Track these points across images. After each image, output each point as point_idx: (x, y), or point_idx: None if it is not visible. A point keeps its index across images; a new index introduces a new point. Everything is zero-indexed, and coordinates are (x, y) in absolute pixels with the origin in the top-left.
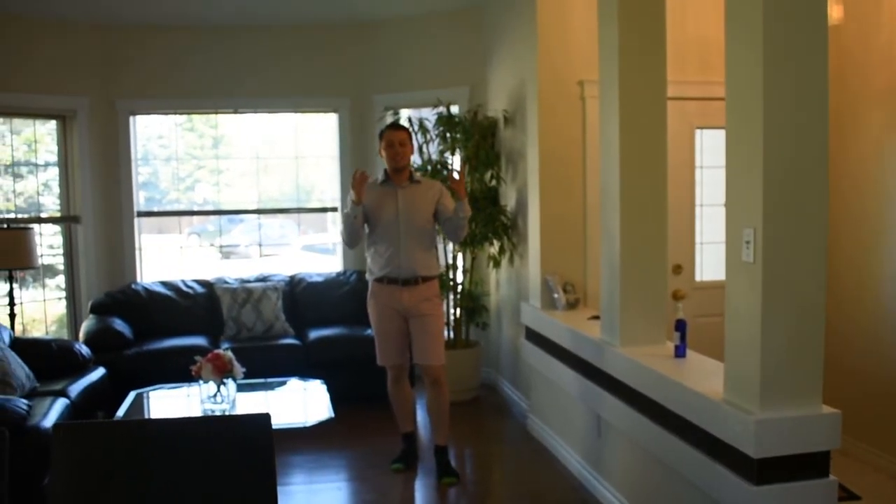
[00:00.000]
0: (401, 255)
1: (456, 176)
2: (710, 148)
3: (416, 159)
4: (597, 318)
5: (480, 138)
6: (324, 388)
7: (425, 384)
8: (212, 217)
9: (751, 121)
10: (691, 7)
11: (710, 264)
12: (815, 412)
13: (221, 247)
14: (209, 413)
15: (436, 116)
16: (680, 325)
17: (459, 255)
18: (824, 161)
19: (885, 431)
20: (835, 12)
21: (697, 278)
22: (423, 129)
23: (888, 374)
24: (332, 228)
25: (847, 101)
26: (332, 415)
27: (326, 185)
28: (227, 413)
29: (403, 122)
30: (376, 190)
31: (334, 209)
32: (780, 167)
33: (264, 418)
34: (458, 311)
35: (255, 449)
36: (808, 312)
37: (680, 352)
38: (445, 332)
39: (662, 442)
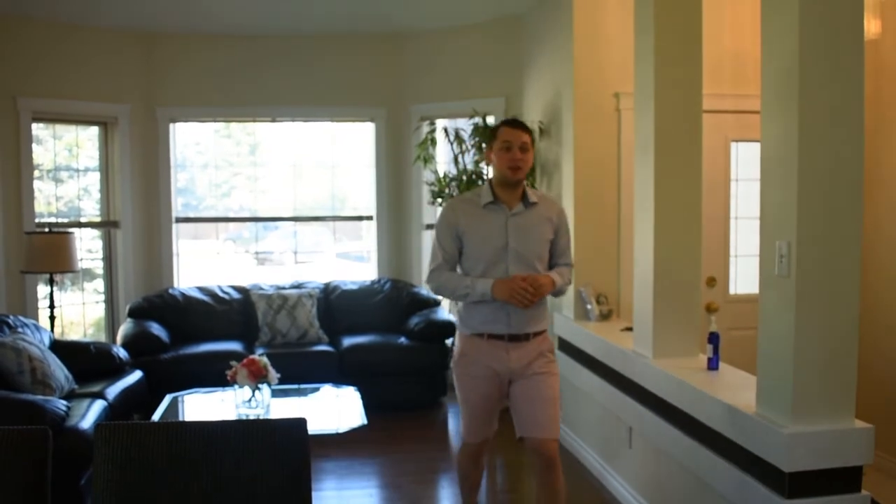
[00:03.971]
0: (510, 306)
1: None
2: (746, 161)
3: (451, 169)
4: (630, 329)
5: None
6: (357, 395)
7: (536, 467)
8: (248, 223)
9: (786, 134)
10: (728, 20)
11: (743, 277)
12: (848, 426)
13: (257, 253)
14: (244, 417)
15: (472, 127)
16: (713, 338)
17: None
18: (860, 175)
19: None
20: (872, 27)
21: (731, 291)
22: (459, 139)
23: None
24: (367, 236)
25: (884, 116)
26: (365, 422)
27: (361, 193)
28: (261, 418)
29: (439, 133)
30: (477, 213)
31: (369, 217)
32: (815, 181)
33: (300, 423)
34: None
35: (291, 453)
36: (842, 327)
37: (713, 364)
38: None
39: (694, 454)
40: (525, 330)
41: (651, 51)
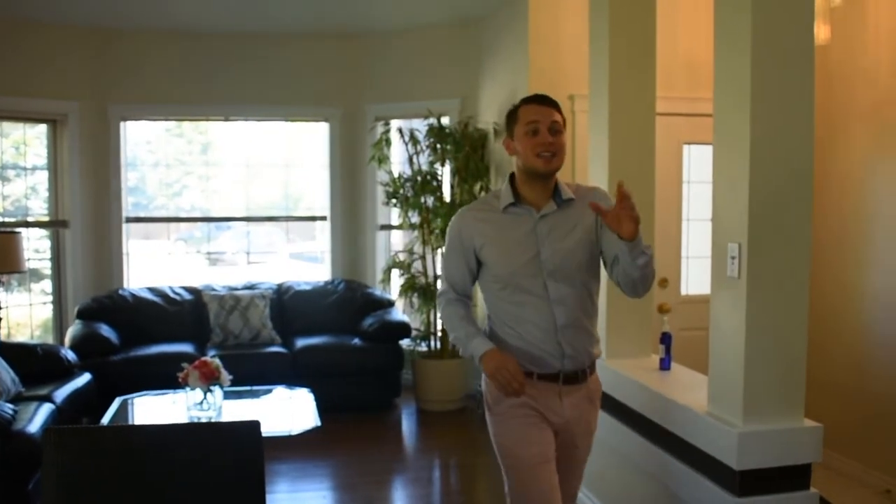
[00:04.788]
0: (560, 335)
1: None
2: (698, 163)
3: (405, 170)
4: None
5: (471, 150)
6: (310, 396)
7: None
8: (199, 224)
9: (738, 137)
10: (681, 25)
11: (695, 278)
12: (798, 425)
13: (209, 253)
14: (195, 420)
15: (427, 128)
16: (665, 339)
17: None
18: (809, 178)
19: (868, 446)
20: (822, 32)
21: (683, 292)
22: (414, 139)
23: (871, 390)
24: (321, 237)
25: (833, 120)
26: (319, 423)
27: (315, 193)
28: (213, 420)
29: (394, 133)
30: (495, 220)
31: (323, 218)
32: (766, 183)
33: (254, 426)
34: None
35: (245, 457)
36: (792, 328)
37: (665, 365)
38: (428, 343)
39: (647, 453)
40: (583, 364)
41: (606, 54)
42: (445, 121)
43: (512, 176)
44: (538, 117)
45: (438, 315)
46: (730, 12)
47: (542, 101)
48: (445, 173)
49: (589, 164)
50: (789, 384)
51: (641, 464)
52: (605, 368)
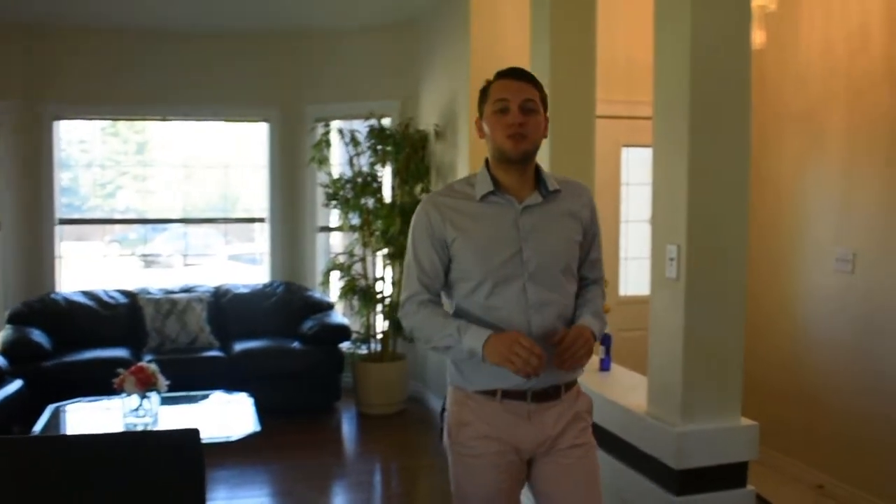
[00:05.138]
0: (468, 336)
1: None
2: (636, 165)
3: (346, 171)
4: None
5: (411, 151)
6: (249, 401)
7: None
8: (134, 225)
9: (676, 140)
10: (621, 28)
11: (634, 279)
12: (735, 424)
13: (144, 255)
14: (131, 427)
15: (367, 129)
16: (605, 339)
17: (388, 267)
18: (746, 181)
19: (802, 443)
20: (758, 38)
21: (622, 293)
22: (355, 141)
23: (804, 388)
24: (259, 238)
25: (767, 123)
26: (258, 428)
27: (254, 194)
28: (149, 427)
29: (334, 134)
30: (471, 209)
31: (262, 219)
32: (705, 185)
33: (193, 434)
34: (386, 323)
35: (184, 466)
36: (729, 328)
37: (605, 365)
38: (368, 346)
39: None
40: (555, 381)
41: (547, 57)
42: (386, 122)
43: (487, 162)
44: (508, 94)
45: (406, 325)
46: (669, 17)
47: (516, 74)
48: (386, 175)
49: None
50: (727, 384)
51: None
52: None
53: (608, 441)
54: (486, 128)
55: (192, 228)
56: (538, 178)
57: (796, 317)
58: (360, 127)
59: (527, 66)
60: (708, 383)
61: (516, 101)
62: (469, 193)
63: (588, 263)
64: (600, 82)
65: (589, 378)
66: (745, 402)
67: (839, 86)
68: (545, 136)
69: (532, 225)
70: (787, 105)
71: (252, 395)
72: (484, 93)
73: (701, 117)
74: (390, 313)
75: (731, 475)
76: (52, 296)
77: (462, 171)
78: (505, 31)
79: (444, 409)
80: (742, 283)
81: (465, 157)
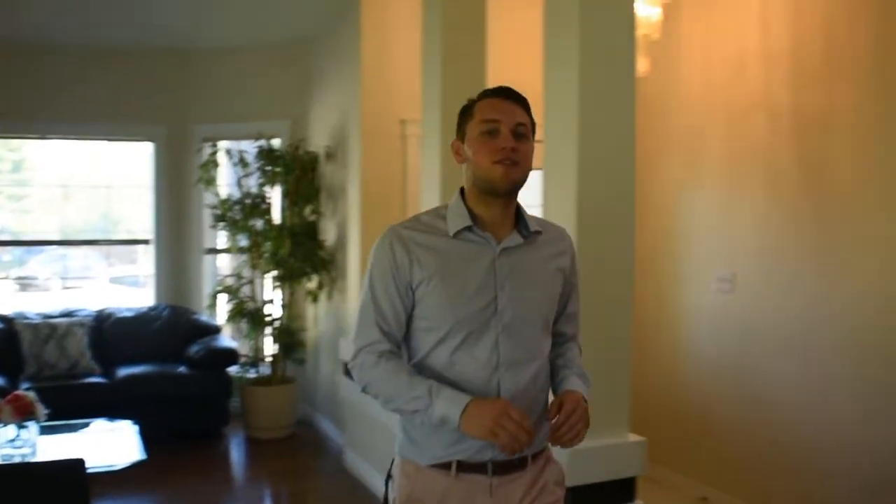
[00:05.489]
0: (442, 401)
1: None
2: (526, 187)
3: (234, 192)
4: None
5: (301, 173)
6: (134, 428)
7: None
8: (9, 247)
9: (565, 162)
10: (510, 52)
11: None
12: (624, 440)
13: (20, 278)
14: (8, 459)
15: (256, 149)
16: None
17: (278, 289)
18: (632, 201)
19: (687, 457)
20: (642, 65)
21: None
22: (243, 161)
23: (688, 404)
24: (143, 260)
25: (651, 146)
26: (144, 456)
27: (138, 215)
28: (27, 458)
29: (222, 155)
30: (442, 247)
31: (146, 241)
32: (592, 206)
33: (77, 465)
34: (276, 346)
35: (69, 496)
36: (617, 344)
37: None
38: (257, 369)
39: None
40: (532, 448)
41: (438, 80)
42: (276, 143)
43: (462, 193)
44: (499, 115)
45: (359, 379)
46: (558, 44)
47: (508, 94)
48: (275, 196)
49: (421, 190)
50: (615, 400)
51: None
52: None
53: None
54: (467, 152)
55: (71, 250)
56: (517, 216)
57: (680, 335)
58: (249, 147)
59: (417, 91)
60: (597, 400)
61: (508, 124)
62: (440, 228)
63: (565, 317)
64: None
65: None
66: (635, 422)
67: (718, 113)
68: (531, 168)
69: (510, 269)
70: (671, 131)
71: (137, 422)
72: (466, 112)
73: (589, 140)
74: (279, 336)
75: (620, 490)
76: None
77: (353, 192)
78: (396, 54)
79: (389, 476)
80: (628, 301)
81: (356, 177)
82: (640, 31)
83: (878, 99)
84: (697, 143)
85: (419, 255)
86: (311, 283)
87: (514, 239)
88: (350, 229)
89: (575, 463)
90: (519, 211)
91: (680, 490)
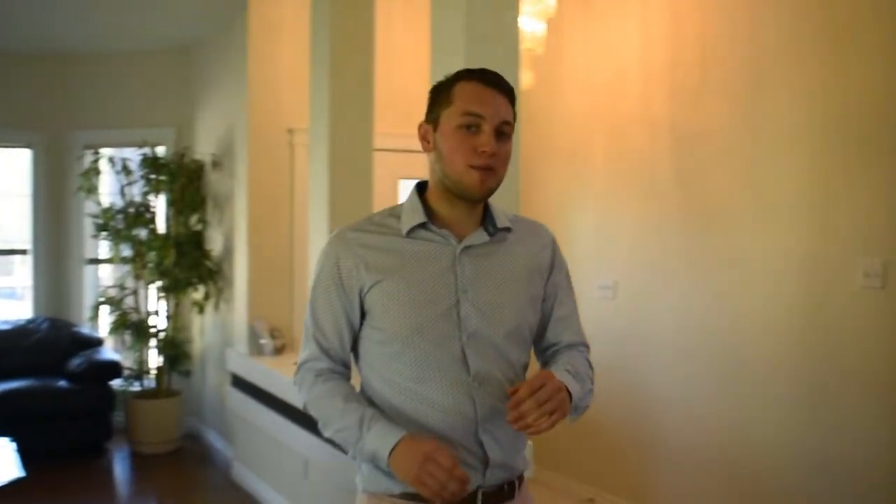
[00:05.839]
0: (483, 429)
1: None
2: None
3: (117, 201)
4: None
5: (187, 181)
6: (11, 445)
7: None
8: None
9: None
10: (396, 61)
11: None
12: None
13: None
14: None
15: (140, 157)
16: None
17: (162, 300)
18: (517, 209)
19: (573, 460)
20: (527, 78)
21: None
22: (127, 170)
23: None
24: (20, 271)
25: (537, 159)
26: (22, 474)
27: (14, 225)
28: None
29: (104, 162)
30: (395, 248)
31: (23, 251)
32: None
33: None
34: (161, 359)
35: None
36: None
37: None
38: (142, 382)
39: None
40: (512, 473)
41: (326, 89)
42: (160, 150)
43: (420, 186)
44: (483, 109)
45: (299, 397)
46: (444, 56)
47: (496, 82)
48: (160, 205)
49: (309, 199)
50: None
51: None
52: None
53: None
54: (439, 143)
55: None
56: (486, 212)
57: None
58: (133, 155)
59: (305, 100)
60: None
61: (492, 121)
62: (393, 227)
63: (555, 322)
64: (378, 115)
65: None
66: None
67: (600, 125)
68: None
69: (474, 271)
70: (555, 142)
71: (15, 438)
72: (442, 93)
73: None
74: (164, 348)
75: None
76: None
77: (240, 201)
78: (284, 62)
79: None
80: None
81: (243, 186)
82: (525, 46)
83: (750, 114)
84: (580, 155)
85: (367, 258)
86: (198, 294)
87: (479, 236)
88: (237, 238)
89: None
90: (487, 208)
91: (567, 492)
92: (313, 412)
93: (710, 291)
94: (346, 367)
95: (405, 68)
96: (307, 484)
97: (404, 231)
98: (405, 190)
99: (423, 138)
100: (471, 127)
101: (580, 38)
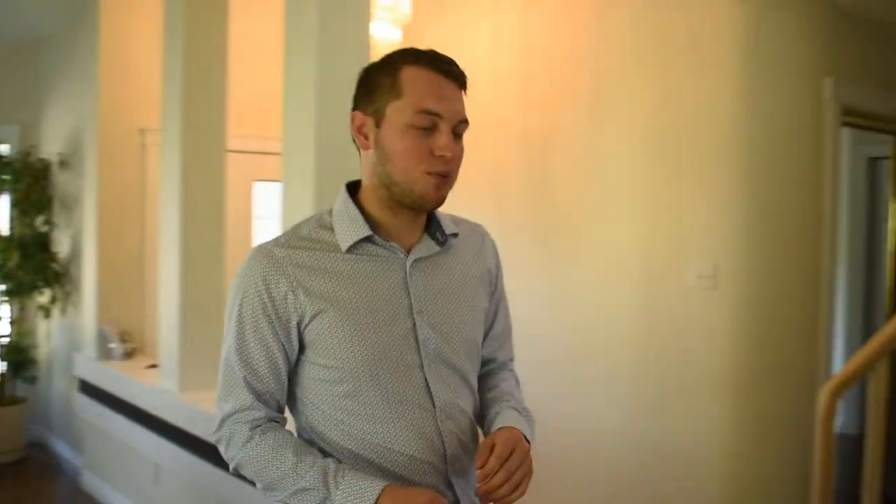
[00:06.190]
0: (453, 471)
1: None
2: (267, 199)
3: None
4: (155, 366)
5: (32, 181)
6: None
7: None
8: None
9: (303, 175)
10: (251, 62)
11: None
12: None
13: None
14: None
15: None
16: None
17: (5, 305)
18: None
19: None
20: None
21: None
22: None
23: None
24: None
25: None
26: None
27: None
28: None
29: None
30: (335, 268)
31: None
32: None
33: None
34: (3, 365)
35: None
36: None
37: None
38: None
39: (220, 482)
40: None
41: (179, 90)
42: (4, 149)
43: (351, 188)
44: (441, 106)
45: (229, 457)
46: (296, 58)
47: (453, 73)
48: (3, 205)
49: (160, 202)
50: None
51: (217, 494)
52: (178, 403)
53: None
54: (383, 142)
55: None
56: (429, 217)
57: None
58: None
59: (157, 99)
60: None
61: (450, 121)
62: (327, 242)
63: (492, 338)
64: (233, 117)
65: None
66: None
67: None
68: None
69: (426, 287)
70: None
71: None
72: (384, 77)
73: (327, 153)
74: (8, 354)
75: None
76: None
77: (90, 202)
78: (136, 60)
79: None
80: None
81: (93, 187)
82: (381, 53)
83: (593, 123)
84: None
85: (304, 281)
86: (43, 298)
87: (428, 247)
88: (86, 241)
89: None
90: (433, 213)
91: None
92: (251, 473)
93: (558, 292)
94: (282, 412)
95: (259, 70)
96: (158, 490)
97: (344, 247)
98: (260, 193)
99: (359, 132)
100: (427, 129)
101: (435, 45)
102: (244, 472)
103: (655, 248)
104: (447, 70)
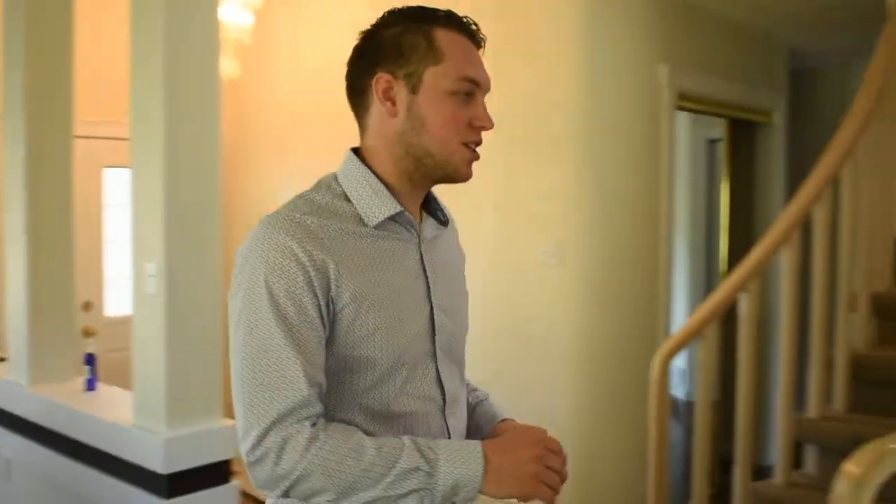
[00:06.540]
0: (447, 459)
1: None
2: (118, 186)
3: None
4: (3, 359)
5: None
6: None
7: None
8: None
9: (152, 160)
10: (104, 49)
11: (118, 300)
12: (217, 426)
13: None
14: None
15: None
16: (89, 359)
17: None
18: (218, 197)
19: None
20: (233, 69)
21: (108, 314)
22: None
23: None
24: None
25: (248, 145)
26: None
27: None
28: None
29: None
30: (362, 248)
31: None
32: (179, 204)
33: None
34: None
35: None
36: (207, 337)
37: (91, 385)
38: None
39: (76, 475)
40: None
41: (20, 74)
42: None
43: (358, 153)
44: (479, 74)
45: (286, 470)
46: (143, 43)
47: (478, 37)
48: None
49: (3, 191)
50: (208, 389)
51: (71, 486)
52: (28, 395)
53: (96, 457)
54: (421, 108)
55: None
56: (427, 196)
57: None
58: None
59: None
60: (190, 390)
61: (485, 89)
62: (349, 213)
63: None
64: (83, 103)
65: (74, 399)
66: (226, 405)
67: (307, 115)
68: None
69: (434, 270)
70: (265, 130)
71: None
72: (416, 38)
73: (175, 139)
74: None
75: (215, 473)
76: None
77: None
78: None
79: None
80: (218, 293)
81: None
82: (233, 35)
83: None
84: (289, 143)
85: (343, 258)
86: None
87: (433, 226)
88: None
89: (171, 451)
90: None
91: None
92: (321, 481)
93: None
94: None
95: (107, 53)
96: (9, 485)
97: (373, 221)
98: (110, 179)
99: (385, 96)
100: (469, 94)
101: (289, 29)
102: (309, 482)
103: (508, 230)
104: (475, 35)
